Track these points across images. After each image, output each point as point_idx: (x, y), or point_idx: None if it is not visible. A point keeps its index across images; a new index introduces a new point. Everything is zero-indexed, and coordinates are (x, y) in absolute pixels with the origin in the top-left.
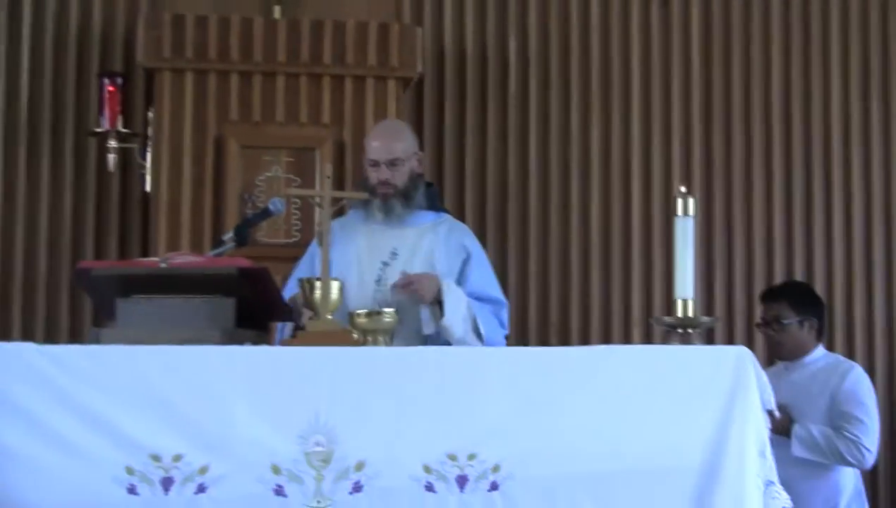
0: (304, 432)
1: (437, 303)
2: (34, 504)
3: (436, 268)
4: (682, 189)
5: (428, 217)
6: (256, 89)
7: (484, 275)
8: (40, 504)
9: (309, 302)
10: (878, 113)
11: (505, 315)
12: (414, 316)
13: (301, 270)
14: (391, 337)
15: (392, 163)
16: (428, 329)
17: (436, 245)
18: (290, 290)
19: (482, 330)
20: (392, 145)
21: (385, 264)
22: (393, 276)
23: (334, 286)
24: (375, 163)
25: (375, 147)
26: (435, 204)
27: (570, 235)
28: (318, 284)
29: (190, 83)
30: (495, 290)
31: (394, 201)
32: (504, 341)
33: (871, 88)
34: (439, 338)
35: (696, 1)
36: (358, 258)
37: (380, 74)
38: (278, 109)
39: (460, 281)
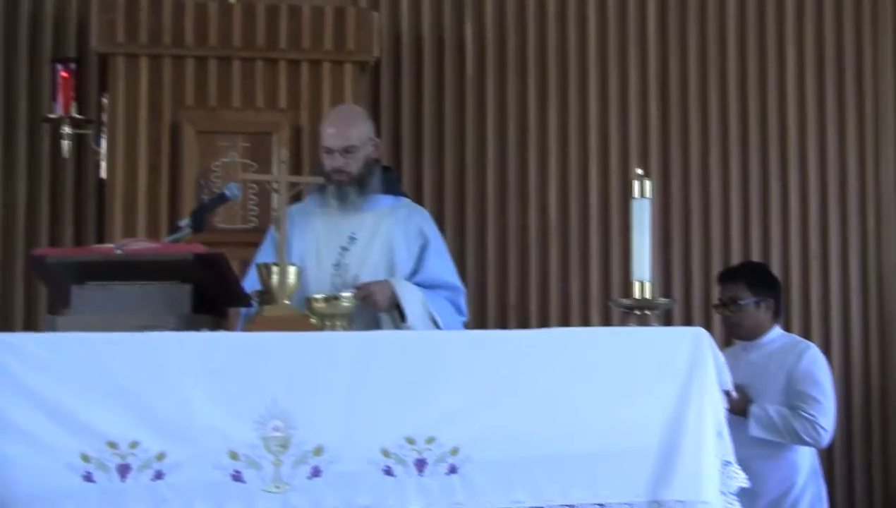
0: (262, 417)
1: (395, 307)
2: None
3: (394, 253)
4: (639, 171)
5: (386, 201)
6: (212, 74)
7: (441, 261)
8: None
9: (266, 287)
10: (832, 97)
11: (462, 301)
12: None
13: (262, 256)
14: (350, 321)
15: (347, 151)
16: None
17: (394, 229)
18: (251, 278)
19: (439, 322)
20: (347, 132)
21: (344, 249)
22: (352, 261)
23: (291, 271)
24: (329, 151)
25: (330, 134)
26: (393, 188)
27: (529, 218)
28: (275, 269)
29: (145, 68)
30: (452, 276)
31: (348, 188)
32: (462, 327)
33: (826, 72)
34: None
35: None
36: (316, 243)
37: (336, 59)
38: (234, 94)
39: (418, 266)
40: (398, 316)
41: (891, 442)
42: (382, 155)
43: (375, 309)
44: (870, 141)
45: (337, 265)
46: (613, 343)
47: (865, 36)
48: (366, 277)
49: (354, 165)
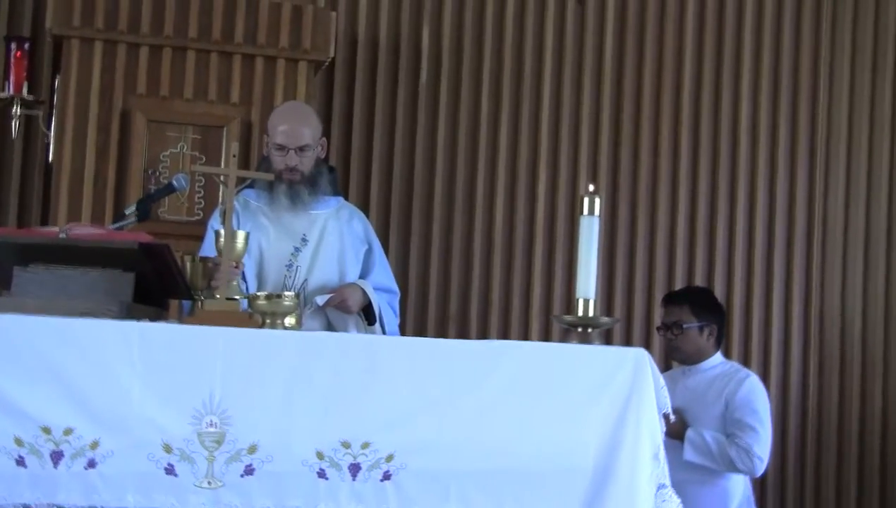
0: (198, 412)
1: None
2: None
3: (343, 257)
4: (591, 187)
5: (331, 202)
6: (166, 64)
7: (383, 266)
8: None
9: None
10: (785, 126)
11: (397, 303)
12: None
13: (206, 249)
14: (298, 322)
15: (301, 149)
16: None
17: (341, 231)
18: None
19: (385, 325)
20: (301, 130)
21: (297, 249)
22: (303, 262)
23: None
24: (282, 148)
25: (284, 131)
26: (336, 188)
27: (474, 228)
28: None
29: (98, 53)
30: (391, 281)
31: (300, 187)
32: (398, 329)
33: (780, 102)
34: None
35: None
36: (268, 242)
37: (291, 56)
38: (187, 85)
39: (364, 270)
40: (363, 320)
41: (823, 474)
42: (331, 155)
43: (347, 312)
44: (819, 173)
45: (289, 266)
46: (555, 359)
47: (822, 65)
48: (316, 279)
49: (307, 164)
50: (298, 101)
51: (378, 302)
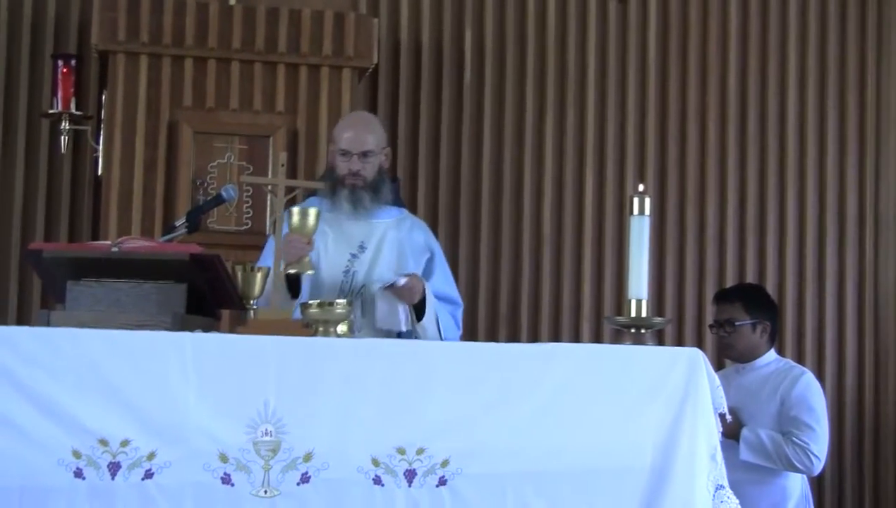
0: (253, 421)
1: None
2: None
3: (407, 264)
4: (641, 187)
5: (392, 212)
6: (211, 75)
7: (445, 275)
8: None
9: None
10: (833, 118)
11: (460, 315)
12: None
13: (265, 261)
14: (351, 330)
15: (364, 155)
16: (402, 327)
17: (401, 240)
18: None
19: (442, 333)
20: (365, 137)
21: (354, 256)
22: (360, 268)
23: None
24: (346, 153)
25: (348, 137)
26: (398, 199)
27: (523, 229)
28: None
29: (144, 67)
30: (454, 291)
31: (362, 193)
32: (458, 341)
33: (828, 90)
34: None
35: None
36: (325, 248)
37: (335, 64)
38: (232, 96)
39: (425, 279)
40: (414, 316)
41: (882, 472)
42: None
43: (407, 300)
44: (870, 163)
45: (346, 271)
46: (609, 360)
47: (869, 55)
48: (374, 285)
49: (370, 171)
50: (364, 111)
51: (438, 309)
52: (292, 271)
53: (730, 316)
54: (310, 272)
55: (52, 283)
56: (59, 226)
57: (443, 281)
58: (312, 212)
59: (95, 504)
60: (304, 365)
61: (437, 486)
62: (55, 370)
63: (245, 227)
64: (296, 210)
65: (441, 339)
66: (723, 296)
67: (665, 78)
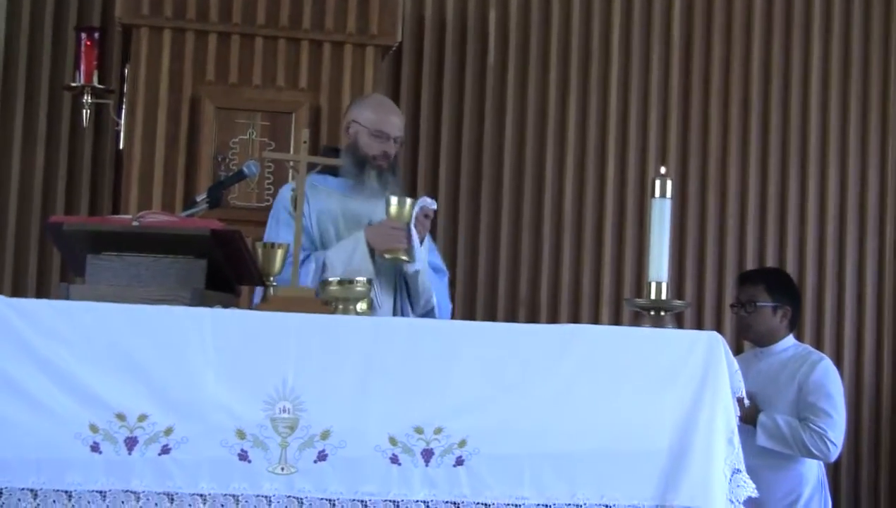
0: (271, 398)
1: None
2: None
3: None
4: (662, 170)
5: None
6: (234, 51)
7: (433, 248)
8: (1, 457)
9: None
10: (856, 102)
11: (447, 281)
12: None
13: (283, 236)
14: (371, 307)
15: (396, 140)
16: (417, 266)
17: None
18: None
19: (434, 300)
20: (399, 122)
21: None
22: None
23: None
24: (382, 135)
25: (390, 121)
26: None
27: (543, 211)
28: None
29: (167, 41)
30: (441, 262)
31: (387, 175)
32: (447, 292)
33: (851, 76)
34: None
35: None
36: (335, 226)
37: (359, 41)
38: (255, 72)
39: None
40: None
41: None
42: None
43: (421, 231)
44: (892, 149)
45: None
46: (628, 342)
47: (893, 36)
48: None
49: (396, 154)
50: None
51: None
52: (388, 257)
53: (752, 296)
54: (404, 258)
55: (71, 257)
56: (79, 199)
57: (433, 254)
58: (408, 201)
59: (112, 478)
60: (323, 342)
61: (455, 466)
62: (73, 343)
63: (266, 204)
64: (394, 199)
65: (434, 302)
66: (747, 277)
67: (688, 60)
